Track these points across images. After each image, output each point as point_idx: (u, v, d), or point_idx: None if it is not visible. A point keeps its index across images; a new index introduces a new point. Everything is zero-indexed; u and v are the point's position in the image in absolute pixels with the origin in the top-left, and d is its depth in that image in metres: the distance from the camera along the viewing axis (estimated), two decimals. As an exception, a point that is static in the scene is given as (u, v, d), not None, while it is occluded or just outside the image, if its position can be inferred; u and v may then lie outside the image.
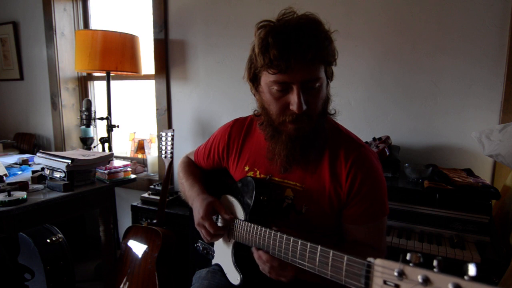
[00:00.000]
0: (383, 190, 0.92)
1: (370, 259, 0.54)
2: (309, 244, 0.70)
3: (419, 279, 0.44)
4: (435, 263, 0.44)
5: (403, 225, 1.30)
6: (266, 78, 0.84)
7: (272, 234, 0.80)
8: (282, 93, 0.83)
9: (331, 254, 0.65)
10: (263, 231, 0.83)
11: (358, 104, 1.71)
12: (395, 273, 0.47)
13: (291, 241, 0.75)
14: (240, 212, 0.96)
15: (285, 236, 0.77)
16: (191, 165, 1.22)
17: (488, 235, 1.19)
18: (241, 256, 0.95)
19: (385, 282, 0.49)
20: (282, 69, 0.78)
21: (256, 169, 1.00)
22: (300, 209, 0.92)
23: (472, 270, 0.40)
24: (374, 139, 1.50)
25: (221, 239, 1.03)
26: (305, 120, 0.84)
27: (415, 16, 1.55)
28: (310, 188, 0.92)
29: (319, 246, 0.68)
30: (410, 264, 0.46)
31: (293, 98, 0.81)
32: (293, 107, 0.81)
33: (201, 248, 1.13)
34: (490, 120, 1.47)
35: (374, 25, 1.63)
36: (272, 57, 0.77)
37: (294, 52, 0.76)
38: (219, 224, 1.01)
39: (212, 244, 1.08)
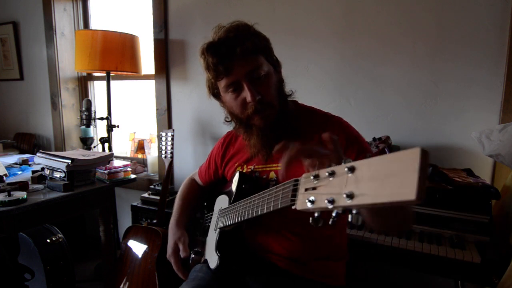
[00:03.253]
0: (361, 136, 0.99)
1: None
2: (263, 193, 0.77)
3: (326, 174, 0.49)
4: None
5: (403, 225, 1.30)
6: (221, 87, 0.96)
7: (238, 204, 0.89)
8: (236, 92, 0.93)
9: (274, 189, 0.71)
10: (237, 205, 0.91)
11: (358, 104, 1.71)
12: (312, 178, 0.52)
13: (249, 199, 0.83)
14: (225, 203, 1.03)
15: (245, 200, 0.85)
16: (186, 188, 1.31)
17: (488, 235, 1.19)
18: (223, 242, 0.99)
19: (306, 190, 0.54)
20: (223, 72, 0.90)
21: (243, 164, 1.08)
22: None
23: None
24: (374, 139, 1.50)
25: (209, 235, 1.09)
26: (266, 108, 0.93)
27: (415, 17, 1.55)
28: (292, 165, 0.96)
29: (273, 188, 0.73)
30: (323, 168, 0.51)
31: (245, 92, 0.91)
32: (248, 99, 0.90)
33: (194, 252, 1.16)
34: (490, 120, 1.47)
35: (374, 25, 1.63)
36: (213, 68, 0.91)
37: (225, 54, 0.89)
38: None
39: (203, 245, 1.12)
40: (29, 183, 1.58)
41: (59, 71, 2.59)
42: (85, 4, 2.64)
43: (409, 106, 1.61)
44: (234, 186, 1.02)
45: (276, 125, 0.95)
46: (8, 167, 1.89)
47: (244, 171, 1.06)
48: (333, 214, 0.46)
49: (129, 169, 1.85)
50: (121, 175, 1.81)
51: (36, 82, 2.75)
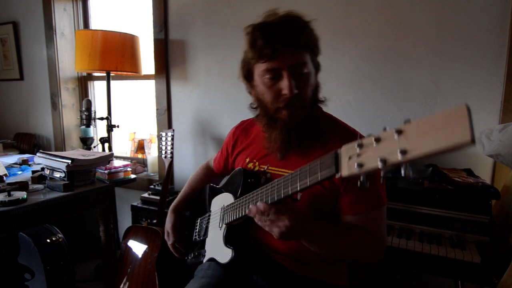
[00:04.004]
0: (378, 180, 0.93)
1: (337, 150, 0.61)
2: (289, 176, 0.76)
3: (372, 140, 0.53)
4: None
5: (403, 225, 1.30)
6: (258, 70, 0.92)
7: (257, 191, 0.86)
8: (274, 81, 0.90)
9: (308, 167, 0.70)
10: (252, 195, 0.88)
11: (358, 104, 1.71)
12: (356, 147, 0.56)
13: (274, 183, 0.80)
14: (230, 199, 1.02)
15: (261, 188, 0.84)
16: (199, 171, 1.35)
17: (488, 235, 1.19)
18: (232, 236, 0.99)
19: (350, 158, 0.57)
20: (269, 55, 0.86)
21: (255, 161, 1.05)
22: (296, 197, 0.94)
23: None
24: (374, 139, 1.50)
25: (212, 234, 1.08)
26: (297, 106, 0.90)
27: (415, 16, 1.55)
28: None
29: (297, 170, 0.73)
30: (365, 136, 0.56)
31: (284, 82, 0.87)
32: (285, 91, 0.87)
33: (192, 256, 1.16)
34: (490, 120, 1.47)
35: (374, 25, 1.63)
36: (260, 47, 0.86)
37: (278, 38, 0.85)
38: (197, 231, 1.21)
39: (203, 246, 1.11)
40: (29, 183, 1.58)
41: (59, 71, 2.59)
42: (85, 4, 2.64)
43: (409, 106, 1.61)
44: (238, 181, 1.01)
45: (301, 126, 0.92)
46: (8, 167, 1.89)
47: (256, 169, 1.03)
48: (381, 175, 0.52)
49: (129, 169, 1.85)
50: (121, 175, 1.81)
51: (36, 82, 2.75)
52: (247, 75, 0.98)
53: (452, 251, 1.14)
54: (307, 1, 1.75)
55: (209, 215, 1.14)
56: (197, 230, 1.20)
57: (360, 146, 0.55)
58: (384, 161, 0.50)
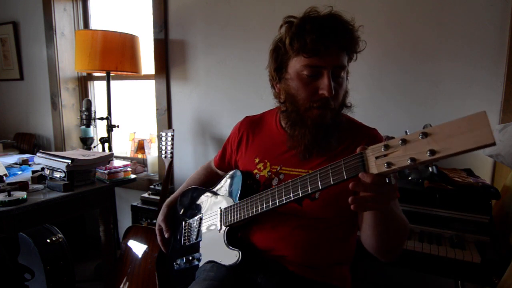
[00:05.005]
0: (395, 175, 0.93)
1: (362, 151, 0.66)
2: (306, 175, 0.77)
3: (398, 142, 0.58)
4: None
5: (403, 225, 1.30)
6: (297, 64, 0.88)
7: (270, 191, 0.86)
8: (311, 78, 0.87)
9: (329, 167, 0.72)
10: (262, 195, 0.88)
11: (358, 104, 1.68)
12: (382, 149, 0.61)
13: (291, 183, 0.81)
14: (228, 201, 1.02)
15: (272, 189, 0.85)
16: (199, 171, 1.31)
17: (488, 235, 1.19)
18: (233, 238, 0.99)
19: (376, 158, 0.62)
20: (315, 51, 0.83)
21: (266, 161, 1.01)
22: (314, 196, 0.93)
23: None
24: (374, 139, 1.50)
25: (208, 237, 1.06)
26: (330, 106, 0.88)
27: (415, 16, 1.55)
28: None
29: (317, 170, 0.75)
30: (391, 139, 0.61)
31: (324, 82, 0.85)
32: (323, 91, 0.85)
33: (184, 261, 1.12)
34: (490, 120, 1.46)
35: (374, 25, 1.63)
36: (309, 41, 0.82)
37: (331, 36, 0.82)
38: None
39: (197, 249, 1.09)
40: (29, 183, 1.58)
41: (59, 71, 2.59)
42: (85, 4, 2.64)
43: (409, 106, 1.61)
44: (236, 183, 1.01)
45: (328, 129, 0.90)
46: (8, 167, 1.89)
47: (268, 170, 0.99)
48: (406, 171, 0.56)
49: (129, 169, 1.85)
50: (121, 175, 1.81)
51: (36, 82, 2.75)
52: (278, 67, 0.93)
53: (452, 251, 1.14)
54: (306, 1, 1.75)
55: (201, 218, 1.11)
56: (185, 233, 1.15)
57: (387, 147, 0.60)
58: (414, 160, 0.55)
